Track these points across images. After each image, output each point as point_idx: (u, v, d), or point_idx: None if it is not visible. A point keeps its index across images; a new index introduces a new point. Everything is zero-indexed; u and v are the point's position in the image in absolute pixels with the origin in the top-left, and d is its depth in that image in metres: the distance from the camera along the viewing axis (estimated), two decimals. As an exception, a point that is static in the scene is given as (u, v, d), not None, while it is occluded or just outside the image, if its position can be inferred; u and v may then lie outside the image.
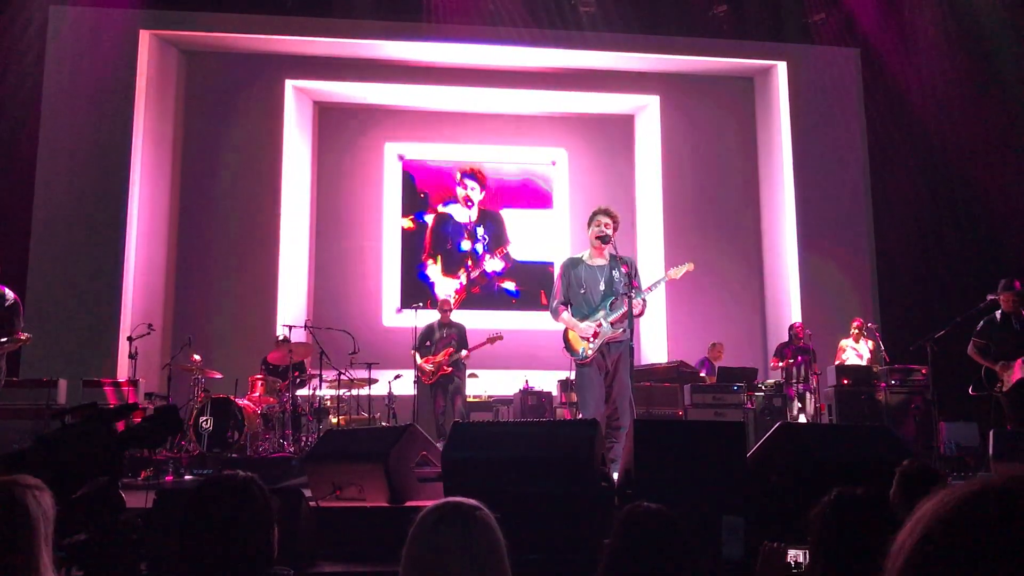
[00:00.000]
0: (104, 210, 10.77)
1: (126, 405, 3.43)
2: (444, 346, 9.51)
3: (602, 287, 6.03)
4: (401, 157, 12.61)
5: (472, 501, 1.80)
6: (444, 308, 9.80)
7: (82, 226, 10.70)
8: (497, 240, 12.70)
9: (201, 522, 2.02)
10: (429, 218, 12.62)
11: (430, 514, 1.76)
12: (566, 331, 6.14)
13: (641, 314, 5.99)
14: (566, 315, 6.13)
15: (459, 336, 9.57)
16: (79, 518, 2.73)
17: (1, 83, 10.24)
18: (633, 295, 5.86)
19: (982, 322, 7.56)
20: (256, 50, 11.81)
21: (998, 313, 7.48)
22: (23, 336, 6.88)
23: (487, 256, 12.63)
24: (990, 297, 7.52)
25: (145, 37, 11.18)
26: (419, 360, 9.55)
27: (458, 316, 9.95)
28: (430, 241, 12.60)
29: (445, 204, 12.67)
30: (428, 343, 9.61)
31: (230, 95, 11.81)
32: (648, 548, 2.06)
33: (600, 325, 5.95)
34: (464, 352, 9.44)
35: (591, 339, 5.96)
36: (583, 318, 6.04)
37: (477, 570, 1.71)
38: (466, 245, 12.63)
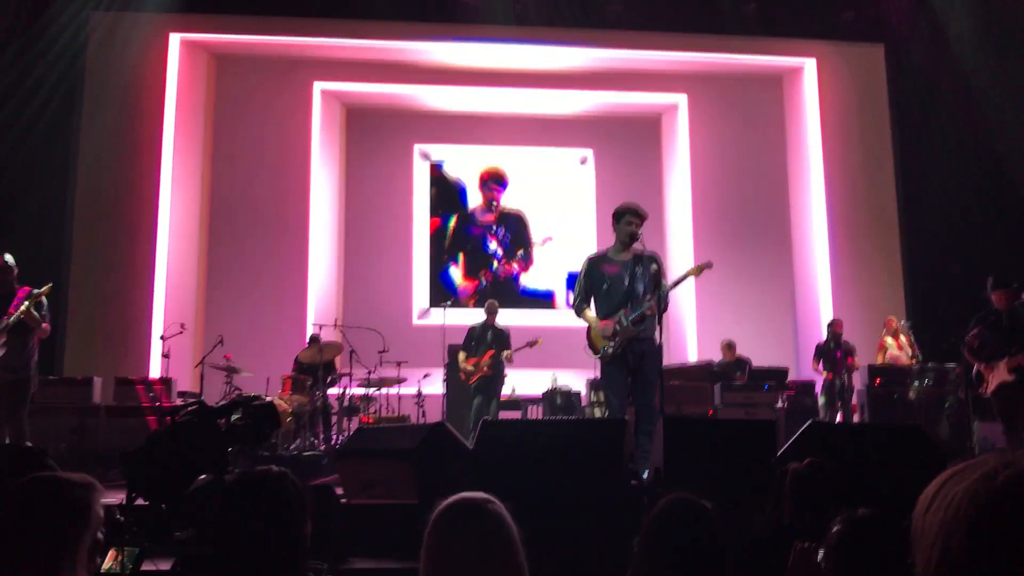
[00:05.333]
0: (137, 211, 10.97)
1: (232, 403, 3.49)
2: (486, 349, 9.47)
3: (626, 284, 5.99)
4: (427, 157, 12.68)
5: (483, 495, 1.82)
6: (490, 311, 9.73)
7: (117, 227, 10.91)
8: (519, 241, 12.73)
9: (236, 517, 2.05)
10: (452, 219, 12.69)
11: (443, 510, 1.79)
12: (588, 329, 6.11)
13: (664, 310, 5.93)
14: (588, 313, 6.10)
15: (502, 340, 9.52)
16: (188, 513, 2.81)
17: (42, 86, 10.39)
18: (657, 292, 5.83)
19: (974, 320, 7.18)
20: (285, 53, 11.91)
21: (992, 311, 7.06)
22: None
23: (509, 257, 12.66)
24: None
25: (176, 41, 11.34)
26: (462, 360, 9.53)
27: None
28: (452, 241, 12.66)
29: (468, 205, 12.72)
30: (472, 343, 9.59)
31: (260, 98, 11.92)
32: (685, 538, 2.07)
33: (620, 323, 5.91)
34: (505, 353, 9.40)
35: (612, 337, 5.93)
36: (606, 315, 6.00)
37: (490, 562, 1.73)
38: (489, 246, 12.67)
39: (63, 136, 10.76)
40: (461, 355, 9.57)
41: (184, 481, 2.76)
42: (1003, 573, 0.87)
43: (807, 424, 4.74)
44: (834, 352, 9.96)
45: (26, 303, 6.27)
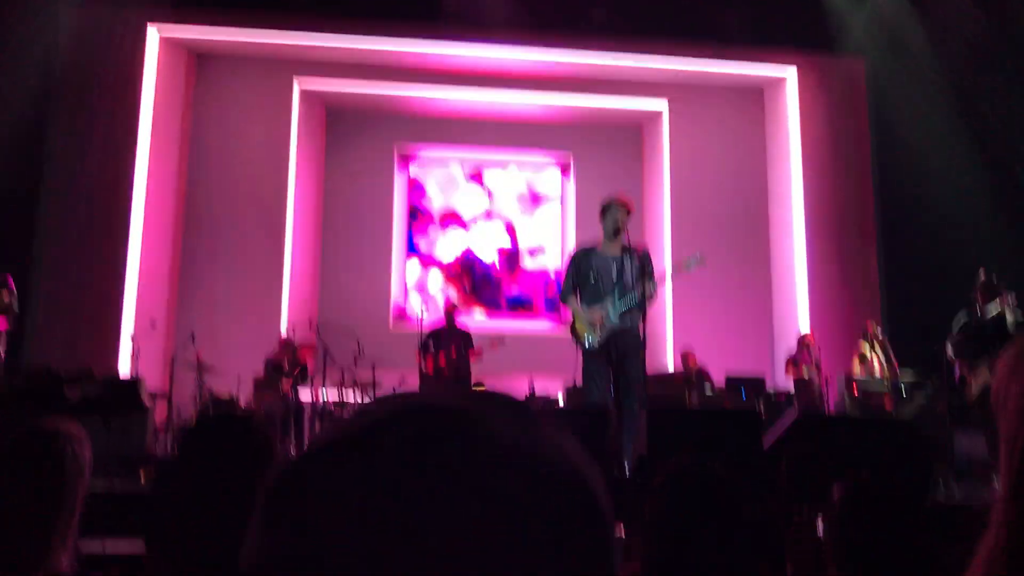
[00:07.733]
0: (110, 208, 10.73)
1: (82, 371, 3.32)
2: (447, 350, 9.35)
3: (614, 277, 5.91)
4: (409, 158, 12.59)
5: None
6: (450, 312, 9.66)
7: (88, 223, 10.64)
8: (503, 246, 12.65)
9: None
10: (435, 222, 12.60)
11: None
12: (573, 320, 6.01)
13: (649, 304, 5.86)
14: (573, 302, 6.01)
15: (462, 341, 9.42)
16: None
17: (13, 81, 10.13)
18: (646, 288, 5.75)
19: (957, 321, 7.17)
20: (266, 50, 11.74)
21: (975, 315, 7.07)
22: None
23: (493, 262, 12.58)
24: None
25: (154, 36, 11.16)
26: (421, 363, 9.42)
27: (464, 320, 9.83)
28: (435, 245, 12.57)
29: (451, 209, 12.63)
30: (431, 345, 9.48)
31: (239, 95, 11.75)
32: (700, 504, 1.87)
33: (607, 315, 5.82)
34: (469, 356, 9.29)
35: (597, 328, 5.84)
36: (591, 307, 5.92)
37: None
38: (472, 250, 12.58)
39: (35, 126, 10.51)
40: (417, 357, 9.48)
41: None
42: None
43: (795, 417, 4.65)
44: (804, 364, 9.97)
45: None
